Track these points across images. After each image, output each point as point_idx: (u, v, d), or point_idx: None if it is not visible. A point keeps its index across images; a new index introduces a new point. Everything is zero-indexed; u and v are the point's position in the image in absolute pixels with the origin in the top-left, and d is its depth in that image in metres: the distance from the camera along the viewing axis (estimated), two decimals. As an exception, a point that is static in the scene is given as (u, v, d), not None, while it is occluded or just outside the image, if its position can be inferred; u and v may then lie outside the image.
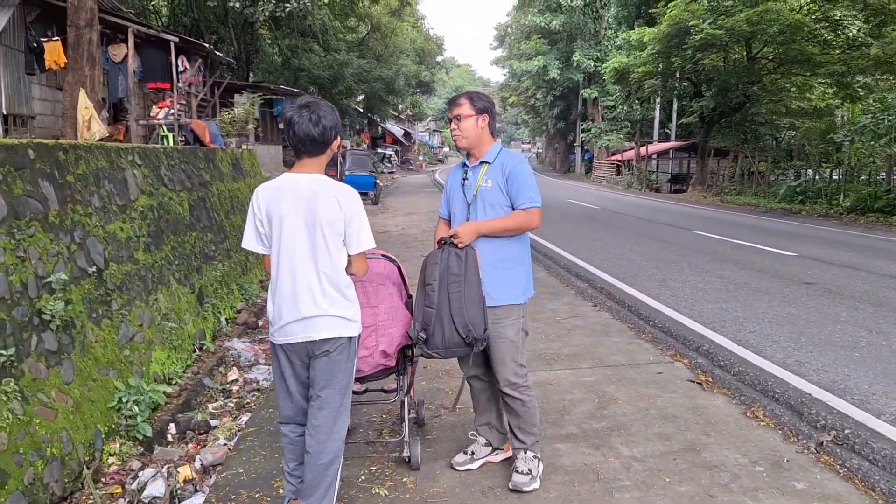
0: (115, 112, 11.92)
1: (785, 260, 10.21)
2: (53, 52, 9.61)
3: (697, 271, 9.12)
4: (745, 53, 25.86)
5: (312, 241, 2.73)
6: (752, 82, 25.84)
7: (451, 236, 3.23)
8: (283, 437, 2.99)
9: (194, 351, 6.21)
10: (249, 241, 2.85)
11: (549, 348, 5.60)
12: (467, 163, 3.39)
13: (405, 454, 3.59)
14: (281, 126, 25.73)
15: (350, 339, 2.84)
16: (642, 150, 35.55)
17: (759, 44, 24.69)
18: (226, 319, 7.32)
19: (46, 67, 9.76)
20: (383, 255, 3.71)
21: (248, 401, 5.19)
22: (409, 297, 3.65)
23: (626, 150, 39.86)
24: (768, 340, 5.75)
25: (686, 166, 35.32)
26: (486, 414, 3.57)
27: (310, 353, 2.80)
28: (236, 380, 5.75)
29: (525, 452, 3.37)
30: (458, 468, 3.53)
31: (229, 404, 5.21)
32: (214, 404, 5.21)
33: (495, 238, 3.24)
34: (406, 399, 3.65)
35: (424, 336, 3.20)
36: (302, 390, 2.88)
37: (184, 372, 5.67)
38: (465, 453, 3.60)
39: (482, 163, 3.31)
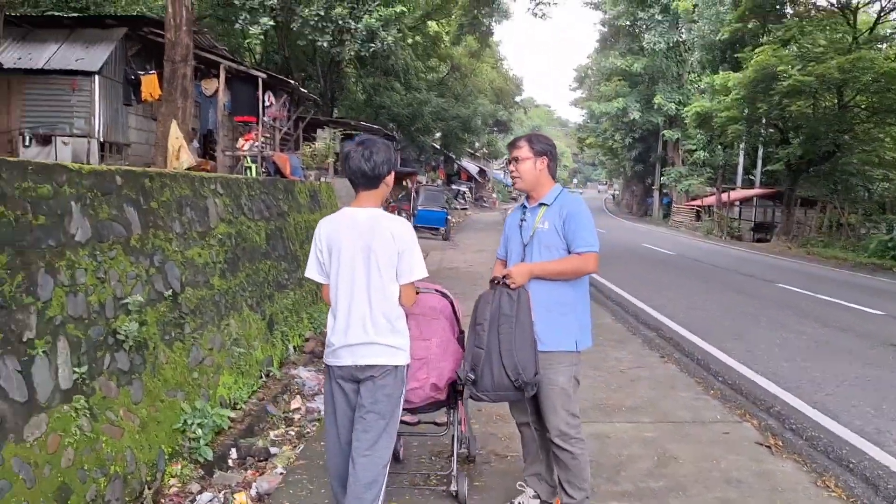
0: (206, 143, 12.52)
1: (872, 319, 9.61)
2: (149, 84, 10.24)
3: (776, 326, 8.68)
4: (835, 101, 24.86)
5: (367, 272, 2.86)
6: (843, 131, 24.75)
7: (504, 276, 3.19)
8: (329, 454, 3.07)
9: (261, 377, 6.27)
10: (311, 271, 3.01)
11: (609, 398, 5.40)
12: (526, 204, 3.38)
13: (452, 488, 3.61)
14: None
15: (396, 367, 2.91)
16: (724, 196, 34.44)
17: (851, 92, 23.71)
18: (294, 347, 7.40)
19: (142, 99, 10.40)
20: (437, 290, 3.77)
21: (309, 430, 5.20)
22: (462, 332, 3.67)
23: (706, 196, 38.76)
24: (846, 405, 5.38)
25: (770, 215, 33.98)
26: (536, 464, 3.48)
27: (356, 378, 2.89)
28: (299, 408, 5.77)
29: None
30: None
31: (290, 433, 5.22)
32: (276, 431, 5.24)
33: (549, 281, 3.18)
34: (456, 433, 3.67)
35: (473, 377, 3.15)
36: (347, 412, 2.96)
37: (249, 397, 5.73)
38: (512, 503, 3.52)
39: (541, 204, 3.29)
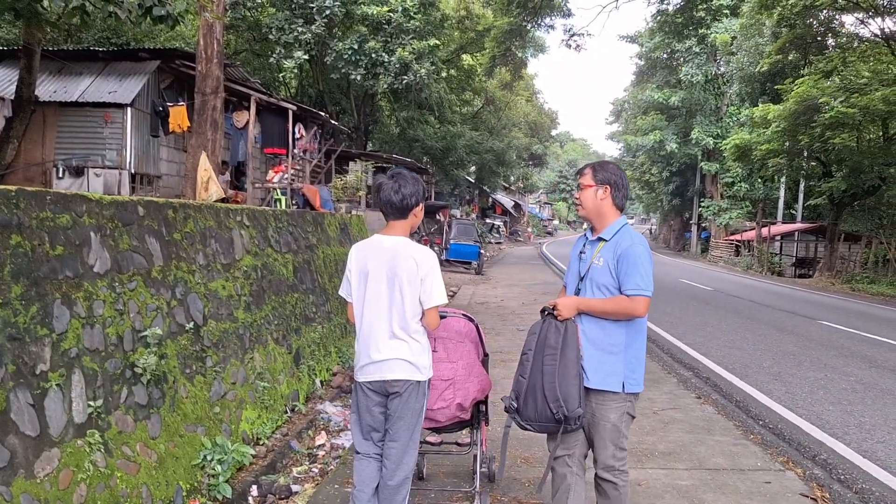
0: (236, 175, 12.66)
1: (925, 360, 9.06)
2: (178, 116, 10.41)
3: (819, 366, 8.23)
4: (880, 133, 24.17)
5: (391, 294, 3.12)
6: (889, 164, 23.99)
7: (552, 307, 3.17)
8: (356, 459, 3.30)
9: (286, 412, 6.17)
10: (342, 290, 3.35)
11: (642, 443, 5.10)
12: (589, 235, 3.33)
13: None
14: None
15: (419, 382, 3.16)
16: (764, 230, 33.63)
17: (897, 124, 23.07)
18: (321, 382, 7.29)
19: (170, 130, 10.57)
20: (463, 315, 4.00)
21: (332, 467, 5.03)
22: (486, 355, 3.95)
23: (746, 230, 37.94)
24: (901, 455, 4.97)
25: (813, 250, 33.06)
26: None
27: (384, 392, 3.15)
28: (323, 444, 5.63)
29: None
30: None
31: (314, 469, 5.08)
32: (299, 468, 5.10)
33: (600, 318, 3.12)
34: (478, 453, 3.83)
35: (516, 405, 3.18)
36: (372, 423, 3.22)
37: (273, 433, 5.63)
38: None
39: (600, 239, 3.21)
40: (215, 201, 8.95)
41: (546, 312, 3.20)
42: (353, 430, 3.32)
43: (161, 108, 10.64)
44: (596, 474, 3.21)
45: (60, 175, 10.32)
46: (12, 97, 9.82)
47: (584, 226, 3.38)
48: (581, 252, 3.31)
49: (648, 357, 8.60)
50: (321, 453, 5.39)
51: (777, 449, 5.02)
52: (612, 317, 3.09)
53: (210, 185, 9.41)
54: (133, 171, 10.67)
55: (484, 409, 3.87)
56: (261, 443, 5.33)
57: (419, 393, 3.17)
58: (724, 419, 5.81)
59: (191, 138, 9.67)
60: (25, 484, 3.03)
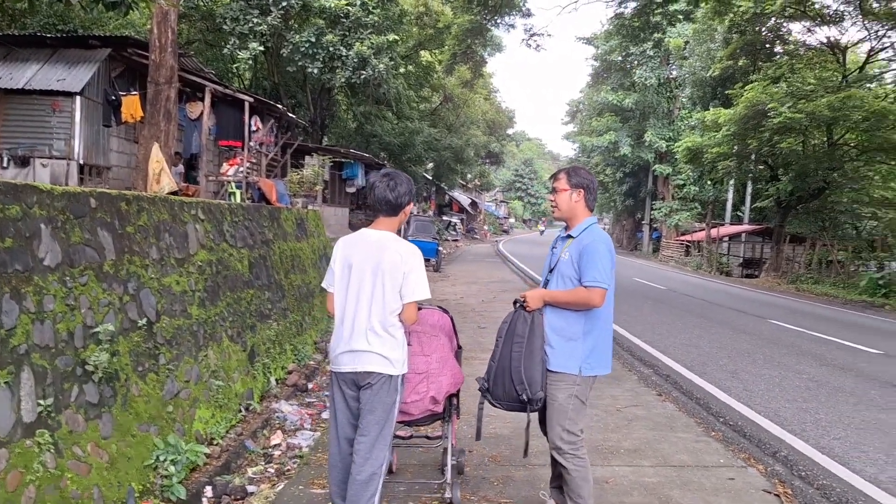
0: (190, 168, 12.29)
1: (870, 358, 9.40)
2: (130, 105, 10.04)
3: (773, 364, 8.45)
4: (825, 139, 25.04)
5: (373, 287, 3.15)
6: (833, 168, 24.88)
7: (523, 298, 3.45)
8: (331, 457, 3.36)
9: (240, 411, 6.02)
10: (325, 281, 3.37)
11: (607, 440, 5.12)
12: (561, 232, 3.64)
13: (447, 495, 3.82)
14: (349, 190, 25.98)
15: (391, 377, 3.17)
16: (713, 231, 34.52)
17: (841, 129, 23.89)
18: (276, 380, 7.14)
19: (123, 120, 10.18)
20: (438, 308, 4.08)
21: (289, 467, 4.92)
22: (459, 347, 4.05)
23: (696, 231, 38.87)
24: (856, 450, 5.11)
25: (759, 251, 34.08)
26: (560, 479, 3.59)
27: (357, 383, 3.18)
28: (279, 444, 5.51)
29: None
30: None
31: (269, 470, 4.96)
32: (254, 469, 4.98)
33: (562, 308, 3.39)
34: (449, 446, 3.89)
35: (487, 385, 3.50)
36: (347, 416, 3.27)
37: (227, 432, 5.49)
38: None
39: (569, 236, 3.50)
40: (167, 194, 8.68)
41: (517, 304, 3.46)
42: (331, 425, 3.35)
43: (114, 98, 10.24)
44: (551, 454, 3.46)
45: (5, 165, 9.85)
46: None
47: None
48: (554, 248, 3.61)
49: (608, 355, 8.70)
50: (277, 453, 5.28)
51: (738, 446, 5.10)
52: (573, 307, 3.34)
53: (162, 178, 9.11)
54: (82, 162, 10.24)
55: (456, 403, 3.94)
56: (215, 442, 5.20)
57: (391, 387, 3.18)
58: (686, 416, 5.90)
59: (143, 129, 9.34)
60: (-29, 486, 2.82)
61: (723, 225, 36.09)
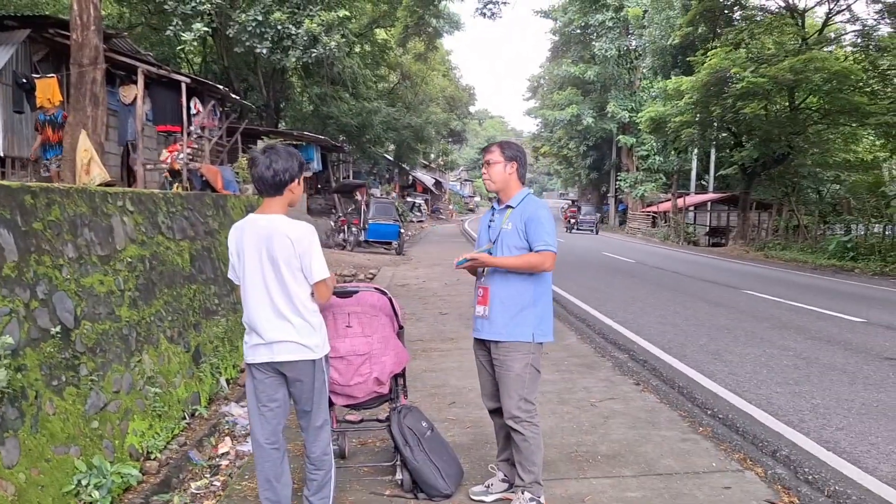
0: (127, 156, 11.44)
1: (853, 327, 9.03)
2: (46, 89, 9.12)
3: (756, 341, 7.99)
4: (787, 103, 24.92)
5: (270, 274, 3.05)
6: (796, 133, 24.82)
7: (470, 259, 3.47)
8: (256, 454, 3.24)
9: (184, 418, 5.45)
10: (230, 273, 3.25)
11: (581, 444, 4.52)
12: (496, 206, 3.65)
13: (398, 477, 3.81)
14: (305, 174, 25.71)
15: (313, 361, 3.12)
16: (679, 201, 34.49)
17: (803, 93, 23.77)
18: (226, 380, 6.57)
19: (38, 105, 9.26)
20: (376, 289, 4.03)
21: (237, 478, 4.32)
22: (401, 327, 4.00)
23: (661, 202, 38.91)
24: (864, 443, 4.57)
25: (725, 219, 34.23)
26: (507, 451, 3.66)
27: (280, 373, 3.13)
28: (227, 452, 4.96)
29: (522, 493, 3.45)
30: (473, 497, 3.70)
31: (215, 483, 4.37)
32: (198, 483, 4.39)
33: (510, 275, 3.43)
34: (396, 425, 3.82)
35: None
36: (265, 406, 3.18)
37: (168, 444, 4.91)
38: (484, 486, 3.76)
39: (507, 207, 3.53)
40: (99, 185, 7.91)
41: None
42: (252, 416, 3.24)
43: (25, 81, 9.28)
44: (506, 425, 3.47)
45: None
46: None
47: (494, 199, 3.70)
48: (490, 221, 3.62)
49: (580, 338, 8.20)
50: (224, 463, 4.72)
51: (731, 444, 4.53)
52: (524, 270, 3.40)
53: (92, 168, 8.30)
54: (2, 154, 9.31)
55: (402, 382, 3.99)
56: (153, 457, 4.65)
57: (317, 370, 3.16)
58: (669, 409, 5.32)
59: (68, 116, 8.49)
60: None
61: (688, 195, 36.16)
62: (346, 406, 3.92)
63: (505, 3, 21.02)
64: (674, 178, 36.98)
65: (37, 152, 9.17)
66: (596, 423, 4.97)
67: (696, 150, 34.44)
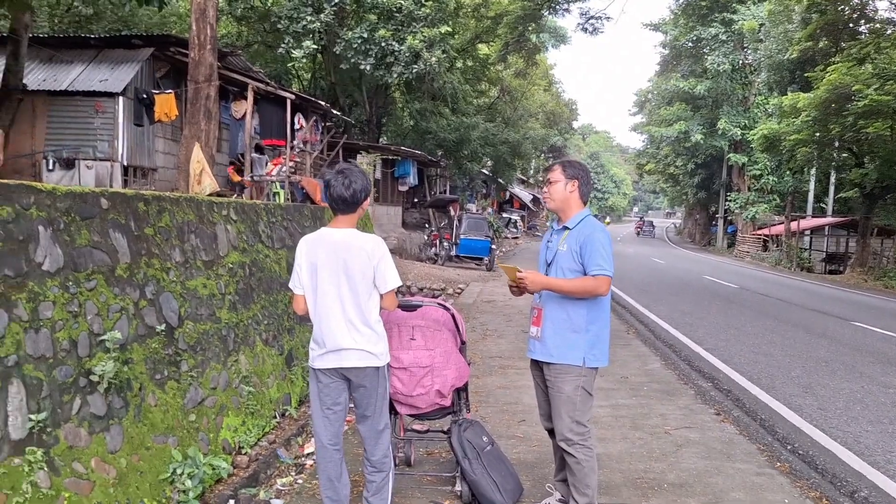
0: (238, 168, 12.21)
1: (973, 368, 8.28)
2: (164, 104, 9.95)
3: (855, 376, 7.51)
4: (917, 122, 23.04)
5: (345, 286, 3.20)
6: (925, 154, 22.91)
7: (521, 278, 3.43)
8: (319, 455, 3.41)
9: (275, 417, 5.81)
10: (292, 282, 3.37)
11: (648, 471, 4.46)
12: (554, 226, 3.64)
13: (457, 489, 3.93)
14: (401, 188, 25.72)
15: (377, 368, 3.27)
16: (793, 224, 32.57)
17: (934, 112, 21.91)
18: (317, 384, 6.90)
19: (156, 119, 10.11)
20: (440, 304, 4.14)
21: (318, 479, 4.56)
22: (464, 343, 4.09)
23: (774, 224, 36.88)
24: (956, 493, 4.23)
25: (844, 245, 32.01)
26: (563, 471, 3.63)
27: (345, 378, 3.28)
28: (312, 453, 5.21)
29: None
30: None
31: (299, 481, 4.61)
32: (283, 480, 4.67)
33: (564, 300, 3.40)
34: (456, 439, 3.88)
35: None
36: (329, 409, 3.34)
37: (258, 440, 5.28)
38: None
39: (564, 228, 3.50)
40: (209, 195, 8.54)
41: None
42: (315, 419, 3.38)
43: (146, 96, 10.18)
44: (559, 446, 3.49)
45: (50, 167, 9.96)
46: (-1, 85, 9.49)
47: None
48: (548, 241, 3.62)
49: (664, 364, 7.99)
50: (309, 462, 4.95)
51: (808, 481, 4.33)
52: (577, 295, 3.36)
53: (203, 178, 9.00)
54: (126, 164, 10.25)
55: (464, 397, 4.08)
56: (243, 452, 4.99)
57: (380, 377, 3.31)
58: (747, 441, 5.13)
59: (184, 128, 9.24)
60: (-58, 512, 2.62)
61: (804, 217, 34.09)
62: (411, 416, 4.04)
63: (608, 18, 20.73)
64: (788, 200, 34.98)
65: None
66: (667, 451, 4.88)
67: (813, 171, 32.45)
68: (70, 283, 3.84)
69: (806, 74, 27.32)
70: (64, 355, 3.64)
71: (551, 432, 3.65)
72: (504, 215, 43.64)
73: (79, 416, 3.65)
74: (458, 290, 14.30)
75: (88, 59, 10.75)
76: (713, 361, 7.99)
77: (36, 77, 10.50)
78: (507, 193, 51.91)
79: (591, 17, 21.46)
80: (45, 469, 3.28)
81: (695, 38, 41.69)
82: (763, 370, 7.61)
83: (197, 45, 8.95)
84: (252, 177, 11.10)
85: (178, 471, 4.16)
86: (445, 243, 20.41)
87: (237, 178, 10.90)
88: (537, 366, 3.60)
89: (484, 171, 37.55)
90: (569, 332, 3.40)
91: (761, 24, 34.88)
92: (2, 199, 3.54)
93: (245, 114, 11.05)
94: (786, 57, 30.90)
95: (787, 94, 28.09)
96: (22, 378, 3.34)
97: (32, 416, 3.30)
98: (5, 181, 3.74)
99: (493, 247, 21.36)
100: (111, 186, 9.59)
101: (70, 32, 15.95)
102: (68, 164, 9.98)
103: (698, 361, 8.00)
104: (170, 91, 10.24)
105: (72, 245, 3.94)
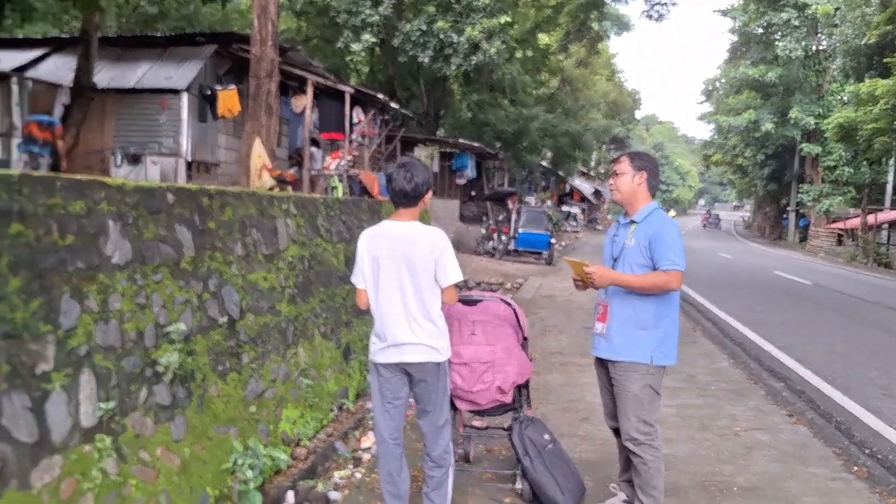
0: (298, 162, 12.39)
1: None
2: (227, 100, 10.14)
3: (939, 378, 7.07)
4: None
5: (406, 279, 3.18)
6: None
7: (587, 274, 3.35)
8: (380, 449, 3.42)
9: (332, 410, 5.84)
10: (354, 276, 3.40)
11: (717, 474, 4.28)
12: (621, 220, 3.56)
13: (517, 486, 3.88)
14: (459, 181, 25.56)
15: (438, 364, 3.26)
16: (870, 218, 31.03)
17: None
18: (374, 378, 6.95)
19: (220, 115, 10.32)
20: (501, 299, 4.08)
21: (377, 473, 4.59)
22: (525, 339, 4.03)
23: (849, 218, 35.26)
24: None
25: (926, 239, 30.30)
26: (629, 471, 3.59)
27: (406, 372, 3.27)
28: (370, 447, 5.23)
29: None
30: None
31: (356, 475, 4.65)
32: (341, 473, 4.70)
33: (631, 296, 3.32)
34: (517, 436, 3.85)
35: None
36: (389, 404, 3.34)
37: (316, 433, 5.30)
38: None
39: (631, 222, 3.42)
40: (268, 189, 8.68)
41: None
42: (377, 413, 3.38)
43: (210, 92, 10.42)
44: (625, 446, 3.42)
45: (118, 163, 10.33)
46: (71, 85, 9.87)
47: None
48: (615, 236, 3.54)
49: (733, 363, 7.70)
50: (366, 456, 4.99)
51: (888, 487, 4.08)
52: (648, 291, 3.27)
53: (263, 173, 9.13)
54: (190, 159, 10.55)
55: (526, 393, 4.02)
56: (302, 444, 5.01)
57: (441, 372, 3.30)
58: (822, 444, 4.89)
59: (245, 124, 9.42)
60: (19, 496, 2.76)
61: (882, 210, 32.45)
62: (472, 412, 4.02)
63: (674, 3, 20.12)
64: (865, 192, 33.34)
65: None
66: (737, 454, 4.69)
67: (892, 161, 30.81)
68: (138, 275, 3.93)
69: (885, 60, 25.91)
70: (131, 346, 3.73)
71: (616, 432, 3.59)
72: (564, 208, 42.99)
73: (145, 406, 3.74)
74: (517, 285, 14.16)
75: (154, 57, 11.11)
76: (785, 360, 7.66)
77: (105, 76, 10.90)
78: (567, 186, 51.18)
79: (657, 3, 20.86)
80: (114, 456, 3.36)
81: (765, 24, 40.08)
82: (838, 370, 7.24)
83: (259, 41, 9.08)
84: (309, 171, 11.26)
85: (240, 461, 4.20)
86: (503, 237, 20.19)
87: (276, 174, 11.07)
88: (602, 364, 3.54)
89: (543, 163, 37.13)
90: (636, 329, 3.33)
91: (837, 8, 33.30)
92: (75, 194, 3.62)
93: (304, 108, 11.19)
94: (863, 42, 29.42)
95: (864, 81, 26.75)
96: (92, 367, 3.42)
97: (102, 405, 3.38)
98: (78, 177, 3.84)
99: (553, 241, 21.04)
100: (176, 181, 9.88)
101: (136, 31, 16.53)
102: (135, 160, 10.34)
103: (769, 360, 7.68)
104: (233, 87, 10.46)
105: (139, 239, 4.03)
